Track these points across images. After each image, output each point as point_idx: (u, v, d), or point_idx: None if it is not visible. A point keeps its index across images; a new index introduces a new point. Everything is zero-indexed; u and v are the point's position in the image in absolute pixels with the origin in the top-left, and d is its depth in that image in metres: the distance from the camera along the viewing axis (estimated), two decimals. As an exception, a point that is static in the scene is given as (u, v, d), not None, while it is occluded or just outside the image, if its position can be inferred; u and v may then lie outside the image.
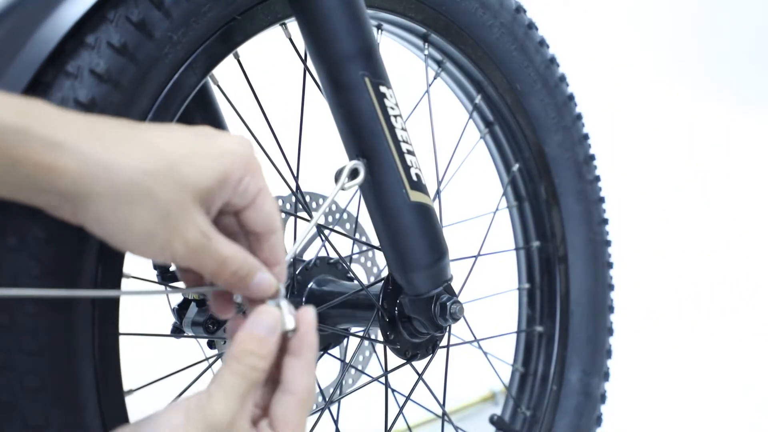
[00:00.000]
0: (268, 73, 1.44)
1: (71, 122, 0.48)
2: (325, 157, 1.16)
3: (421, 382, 0.91)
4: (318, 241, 0.91)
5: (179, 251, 0.51)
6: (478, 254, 1.03)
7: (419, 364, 0.88)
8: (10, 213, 0.55)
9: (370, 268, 1.03)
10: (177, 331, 0.85)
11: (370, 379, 0.90)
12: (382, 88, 0.71)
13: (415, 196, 0.72)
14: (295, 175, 0.83)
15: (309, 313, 0.55)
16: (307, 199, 0.89)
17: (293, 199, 0.89)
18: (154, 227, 0.50)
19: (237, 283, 0.54)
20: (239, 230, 0.57)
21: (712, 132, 3.35)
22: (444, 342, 0.88)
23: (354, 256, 1.01)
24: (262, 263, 0.56)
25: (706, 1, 4.03)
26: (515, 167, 1.07)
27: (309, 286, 0.87)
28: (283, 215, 0.89)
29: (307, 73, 0.83)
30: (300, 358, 0.54)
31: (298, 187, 0.84)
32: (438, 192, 0.95)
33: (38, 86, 0.56)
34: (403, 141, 0.72)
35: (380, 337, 0.83)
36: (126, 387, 0.65)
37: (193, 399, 0.50)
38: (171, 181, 0.50)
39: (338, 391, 0.95)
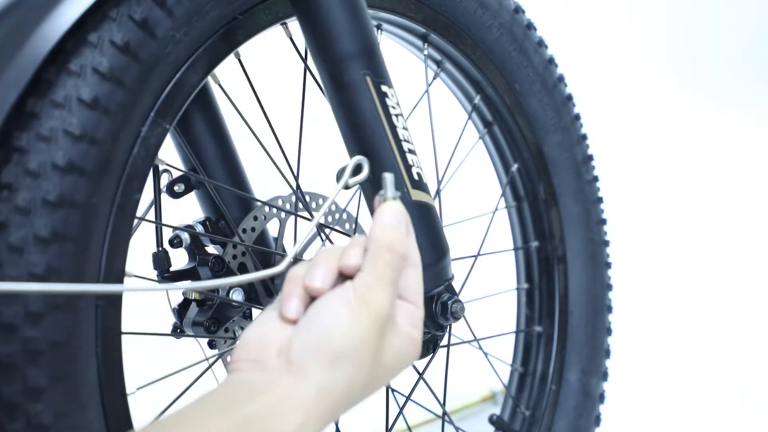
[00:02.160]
0: (269, 73, 1.43)
1: None
2: (325, 156, 1.16)
3: (421, 381, 0.91)
4: (318, 241, 0.91)
5: None
6: (478, 254, 1.03)
7: (420, 364, 0.88)
8: (10, 210, 0.55)
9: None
10: (177, 331, 0.85)
11: (370, 378, 0.90)
12: (384, 88, 0.71)
13: (416, 195, 0.72)
14: (296, 174, 0.84)
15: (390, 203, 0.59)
16: (307, 198, 0.89)
17: (293, 198, 0.89)
18: None
19: None
20: None
21: (710, 132, 3.36)
22: (444, 341, 0.88)
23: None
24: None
25: (705, 3, 4.04)
26: (514, 167, 1.07)
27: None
28: (283, 215, 0.89)
29: (307, 72, 0.83)
30: (410, 235, 0.58)
31: (298, 186, 0.84)
32: (438, 192, 0.95)
33: (41, 84, 0.56)
34: (405, 140, 0.72)
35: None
36: (126, 387, 0.65)
37: (349, 293, 0.52)
38: None
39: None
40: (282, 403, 0.49)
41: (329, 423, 0.51)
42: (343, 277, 0.55)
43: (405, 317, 0.56)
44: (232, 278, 0.61)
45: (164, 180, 0.82)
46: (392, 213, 0.57)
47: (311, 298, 0.55)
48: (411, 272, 0.58)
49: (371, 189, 0.72)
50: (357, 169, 0.69)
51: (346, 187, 0.67)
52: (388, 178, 0.59)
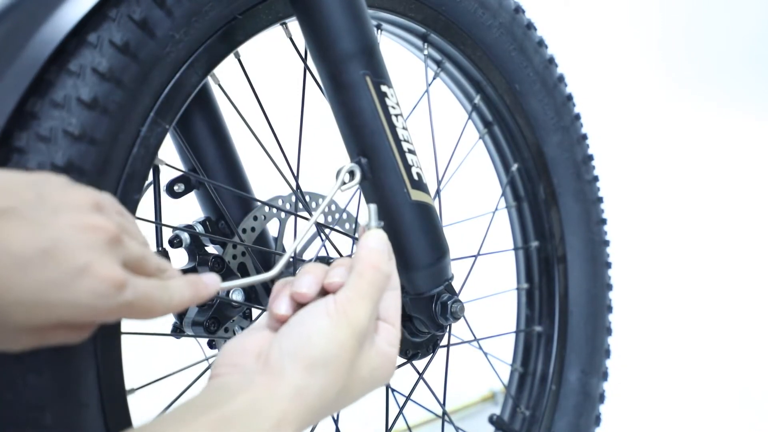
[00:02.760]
0: (269, 73, 1.44)
1: None
2: (325, 156, 1.16)
3: (421, 381, 0.91)
4: (318, 241, 0.91)
5: None
6: (478, 254, 1.03)
7: (419, 364, 0.88)
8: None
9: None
10: (177, 331, 0.85)
11: (370, 378, 0.90)
12: (383, 87, 0.71)
13: (416, 195, 0.72)
14: (296, 174, 0.84)
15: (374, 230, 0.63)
16: (307, 198, 0.90)
17: (293, 198, 0.89)
18: None
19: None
20: None
21: (710, 132, 3.36)
22: (444, 341, 0.88)
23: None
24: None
25: (705, 3, 4.04)
26: (514, 167, 1.07)
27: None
28: (283, 215, 0.89)
29: (307, 72, 0.83)
30: (391, 260, 0.62)
31: (298, 186, 0.84)
32: (438, 191, 0.95)
33: (41, 84, 0.56)
34: (404, 140, 0.72)
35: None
36: (126, 386, 0.65)
37: (330, 304, 0.55)
38: None
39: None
40: (259, 402, 0.50)
41: (304, 428, 0.53)
42: (327, 293, 0.58)
43: (383, 336, 0.59)
44: (234, 281, 0.62)
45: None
46: (377, 238, 0.61)
47: (297, 306, 0.57)
48: (391, 295, 0.61)
49: (371, 189, 0.72)
50: (353, 174, 0.70)
51: (341, 190, 0.68)
52: (372, 208, 0.63)
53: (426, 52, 0.97)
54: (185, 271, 0.82)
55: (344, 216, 0.94)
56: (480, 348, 1.04)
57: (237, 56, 0.77)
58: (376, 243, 0.61)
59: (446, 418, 0.95)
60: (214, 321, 0.83)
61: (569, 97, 1.08)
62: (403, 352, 0.83)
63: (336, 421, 0.89)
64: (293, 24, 0.77)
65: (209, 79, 0.78)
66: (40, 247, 0.44)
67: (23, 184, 0.47)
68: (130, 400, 0.65)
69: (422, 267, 0.74)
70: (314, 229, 0.88)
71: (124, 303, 0.47)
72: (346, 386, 0.55)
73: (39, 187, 0.47)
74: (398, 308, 0.62)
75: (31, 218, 0.45)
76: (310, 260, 0.88)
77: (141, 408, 0.72)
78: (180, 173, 0.83)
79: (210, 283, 0.56)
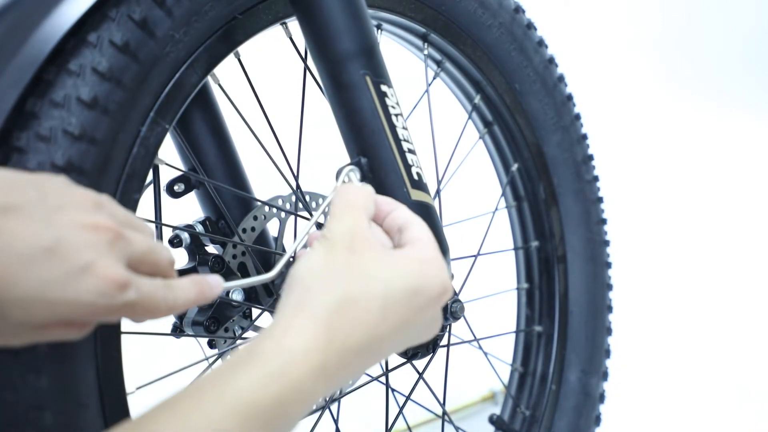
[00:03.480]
0: (269, 73, 1.44)
1: None
2: (326, 156, 1.16)
3: (421, 381, 0.91)
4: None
5: None
6: (478, 254, 1.03)
7: (419, 364, 0.88)
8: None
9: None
10: (177, 331, 0.85)
11: (370, 378, 0.90)
12: (383, 87, 0.71)
13: (416, 194, 0.72)
14: (296, 174, 0.84)
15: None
16: (307, 198, 0.89)
17: (293, 198, 0.89)
18: None
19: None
20: None
21: (710, 132, 3.36)
22: (444, 341, 0.88)
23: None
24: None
25: (705, 3, 4.04)
26: (514, 167, 1.07)
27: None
28: (283, 215, 0.89)
29: (307, 72, 0.83)
30: (399, 208, 0.64)
31: (298, 186, 0.84)
32: (438, 191, 0.95)
33: (40, 84, 0.56)
34: (404, 140, 0.72)
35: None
36: (126, 386, 0.65)
37: (314, 236, 0.59)
38: None
39: (338, 391, 0.95)
40: (258, 338, 0.50)
41: (329, 343, 0.51)
42: None
43: (407, 248, 0.59)
44: (236, 282, 0.62)
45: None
46: (349, 184, 0.64)
47: None
48: (413, 227, 0.62)
49: (373, 188, 0.72)
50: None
51: None
52: (352, 175, 0.67)
53: (426, 52, 0.97)
54: (185, 271, 0.83)
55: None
56: (480, 348, 1.04)
57: (237, 56, 0.77)
58: (352, 184, 0.64)
59: (446, 418, 0.95)
60: (214, 321, 0.83)
61: (569, 97, 1.08)
62: (402, 353, 0.83)
63: (336, 421, 0.90)
64: (293, 24, 0.77)
65: (209, 79, 0.78)
66: (43, 245, 0.44)
67: (25, 182, 0.47)
68: (130, 400, 0.65)
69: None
70: (314, 229, 0.88)
71: (127, 303, 0.48)
72: (351, 287, 0.53)
73: (40, 185, 0.47)
74: (423, 230, 0.62)
75: (34, 216, 0.45)
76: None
77: (141, 408, 0.72)
78: (180, 173, 0.83)
79: (214, 284, 0.56)
